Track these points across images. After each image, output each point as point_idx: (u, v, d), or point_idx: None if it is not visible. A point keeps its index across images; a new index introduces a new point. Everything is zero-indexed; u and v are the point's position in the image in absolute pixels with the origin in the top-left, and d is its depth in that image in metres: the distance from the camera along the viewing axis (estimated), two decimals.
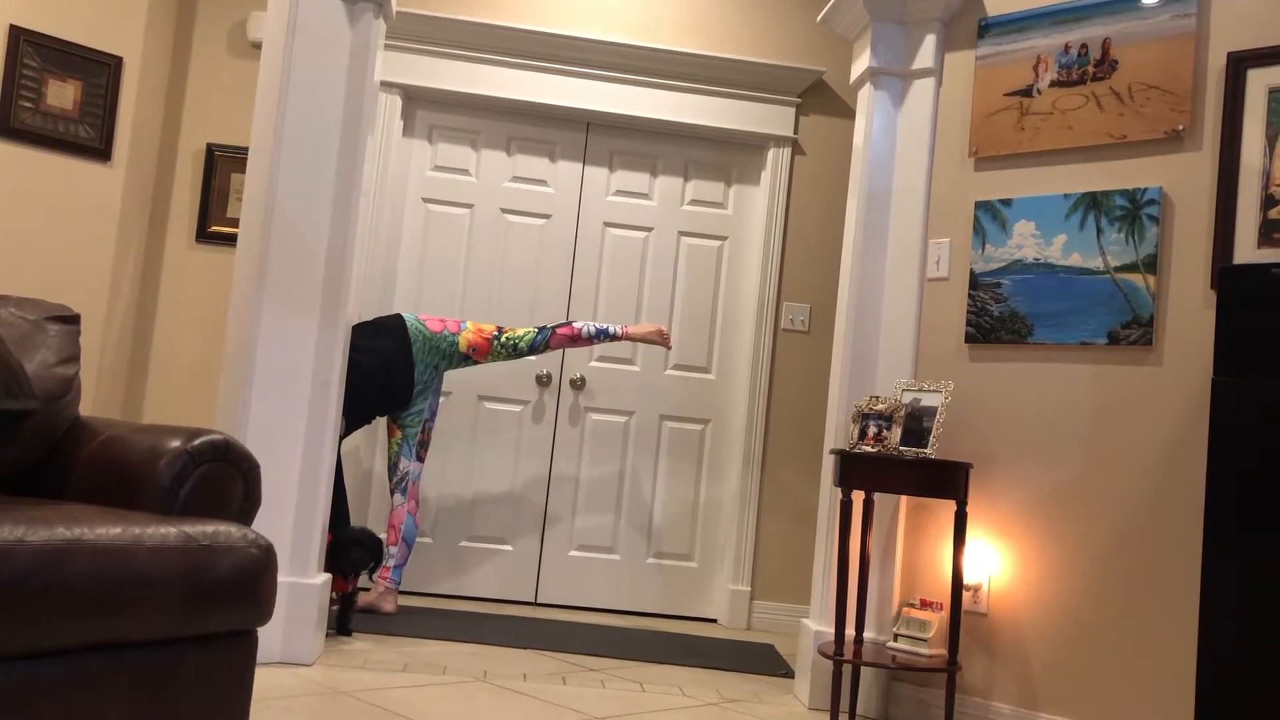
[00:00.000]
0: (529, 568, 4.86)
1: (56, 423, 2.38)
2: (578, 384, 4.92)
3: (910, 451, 3.15)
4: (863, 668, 3.35)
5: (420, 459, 4.26)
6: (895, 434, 3.18)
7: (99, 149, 4.20)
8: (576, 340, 4.27)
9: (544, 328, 4.26)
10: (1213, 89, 2.95)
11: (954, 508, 3.20)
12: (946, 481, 3.12)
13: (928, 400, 3.23)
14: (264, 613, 2.15)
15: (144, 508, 2.19)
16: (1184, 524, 2.86)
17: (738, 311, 5.05)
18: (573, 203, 5.00)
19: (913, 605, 3.32)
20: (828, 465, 3.55)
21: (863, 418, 3.26)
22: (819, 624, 3.46)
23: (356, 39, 3.41)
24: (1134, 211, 3.04)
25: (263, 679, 3.03)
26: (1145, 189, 3.02)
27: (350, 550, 3.69)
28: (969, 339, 3.33)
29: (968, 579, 3.24)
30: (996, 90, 3.35)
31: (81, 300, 4.18)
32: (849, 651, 3.16)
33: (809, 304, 5.00)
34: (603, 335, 4.28)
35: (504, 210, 4.97)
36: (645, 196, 5.04)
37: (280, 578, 3.25)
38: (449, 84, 4.83)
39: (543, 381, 4.91)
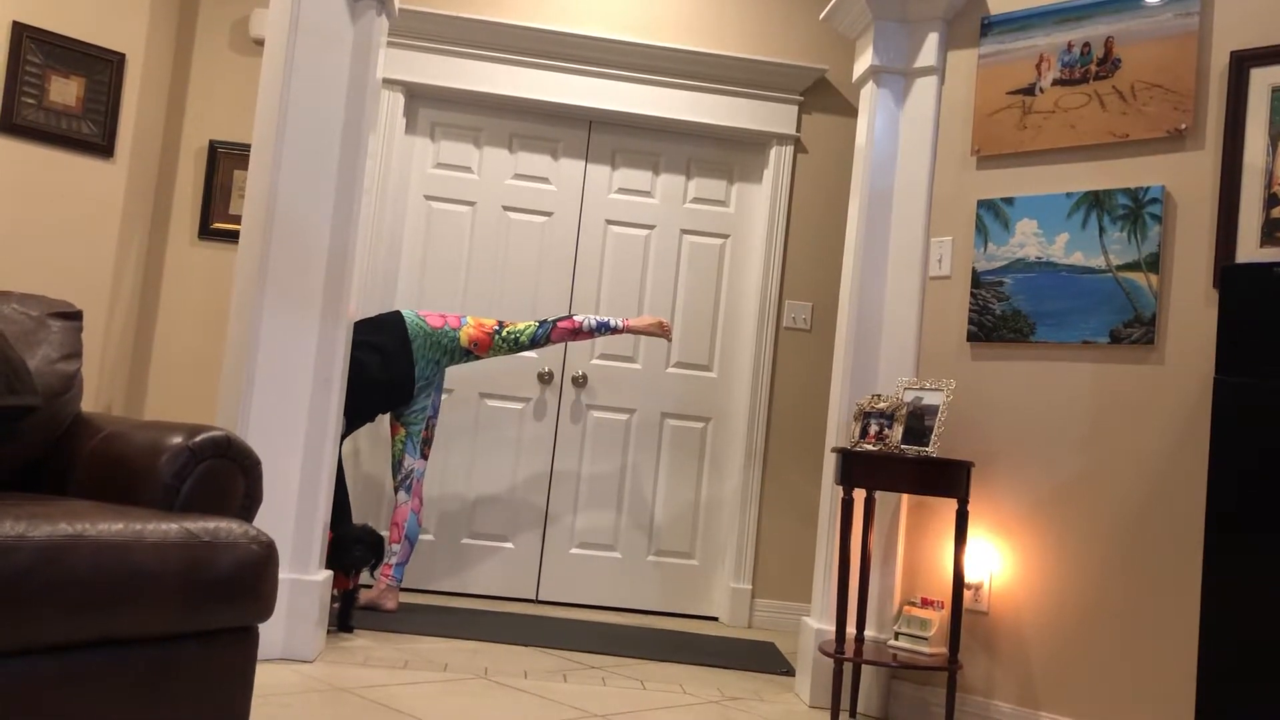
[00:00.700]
0: (530, 565, 4.86)
1: (58, 419, 2.39)
2: (579, 381, 4.92)
3: (912, 450, 3.15)
4: (864, 666, 3.35)
5: (424, 456, 4.27)
6: (897, 432, 3.18)
7: (102, 145, 4.20)
8: (578, 333, 4.27)
9: (545, 321, 4.26)
10: (1215, 88, 2.94)
11: (955, 506, 3.20)
12: (948, 480, 3.11)
13: (929, 399, 3.22)
14: (265, 609, 2.15)
15: (145, 504, 2.20)
16: (1185, 523, 2.86)
17: (739, 309, 5.05)
18: (575, 200, 5.00)
19: (914, 604, 3.32)
20: (829, 463, 3.55)
21: (864, 416, 3.26)
22: (820, 622, 3.46)
23: (359, 36, 3.41)
24: (1136, 210, 3.03)
25: (264, 675, 3.03)
26: (1148, 188, 3.02)
27: (352, 548, 3.69)
28: (971, 337, 3.33)
29: (969, 577, 3.24)
30: (999, 89, 3.35)
31: (83, 297, 4.18)
32: (850, 650, 3.16)
33: (811, 302, 4.99)
34: (604, 328, 4.28)
35: (506, 208, 4.97)
36: (647, 194, 5.04)
37: (281, 574, 3.25)
38: (451, 81, 4.83)
39: (544, 379, 4.91)
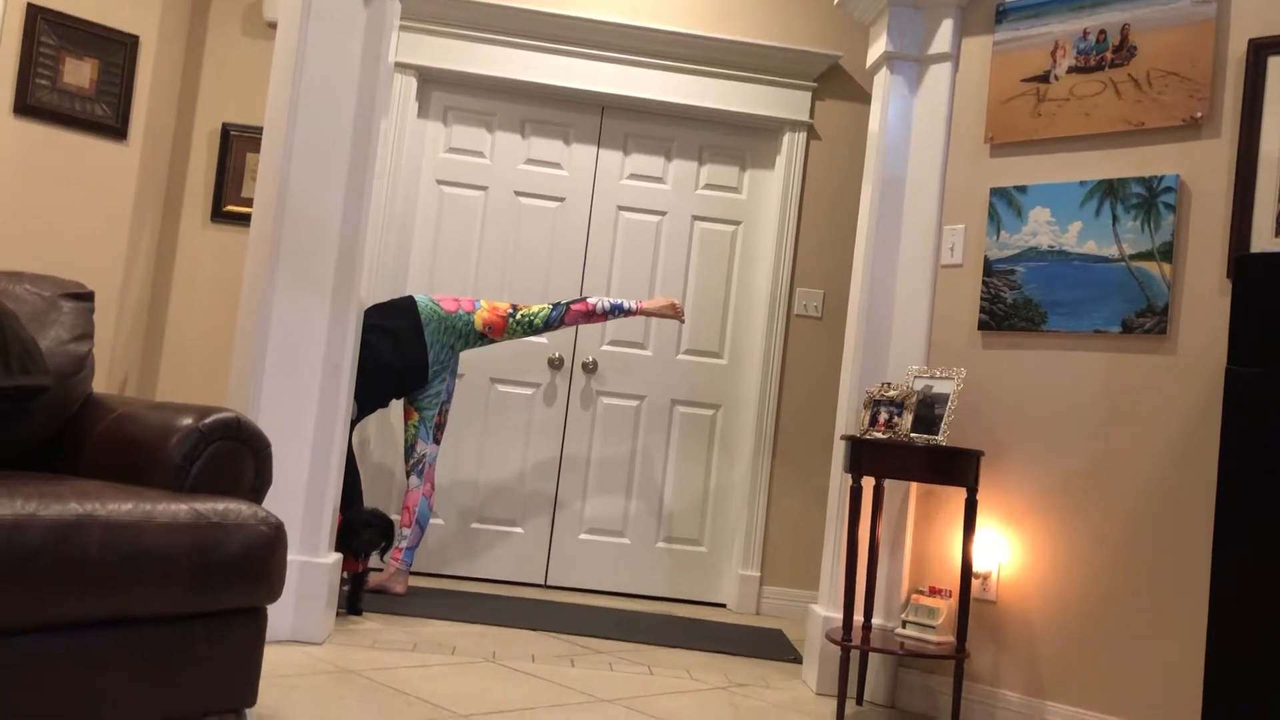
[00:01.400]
0: (539, 550, 4.87)
1: (69, 399, 2.40)
2: (590, 367, 4.92)
3: (921, 438, 3.14)
4: (871, 654, 3.35)
5: (437, 441, 4.27)
6: (906, 420, 3.17)
7: (115, 127, 4.21)
8: (591, 316, 4.26)
9: (558, 304, 4.25)
10: (1232, 76, 2.92)
11: (964, 495, 3.19)
12: (957, 469, 3.11)
13: (940, 387, 3.21)
14: (274, 590, 2.16)
15: (155, 485, 2.21)
16: (1195, 514, 2.85)
17: (751, 297, 5.04)
18: (587, 186, 4.99)
19: (921, 592, 3.32)
20: (838, 451, 3.54)
21: (874, 404, 3.25)
22: (827, 610, 3.46)
23: (371, 20, 3.41)
24: (1150, 199, 3.01)
25: (272, 657, 3.05)
26: (1162, 177, 3.00)
27: (361, 531, 3.70)
28: (982, 326, 3.32)
29: (977, 567, 3.24)
30: (1013, 76, 3.33)
31: (96, 278, 4.20)
32: (857, 637, 3.16)
33: (823, 290, 4.98)
34: (617, 310, 4.28)
35: (518, 193, 4.96)
36: (659, 180, 5.02)
37: (291, 556, 3.27)
38: (464, 65, 4.82)
39: (555, 364, 4.91)
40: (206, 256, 4.61)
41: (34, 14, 3.99)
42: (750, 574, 4.86)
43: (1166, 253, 2.97)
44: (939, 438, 3.12)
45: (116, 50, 4.20)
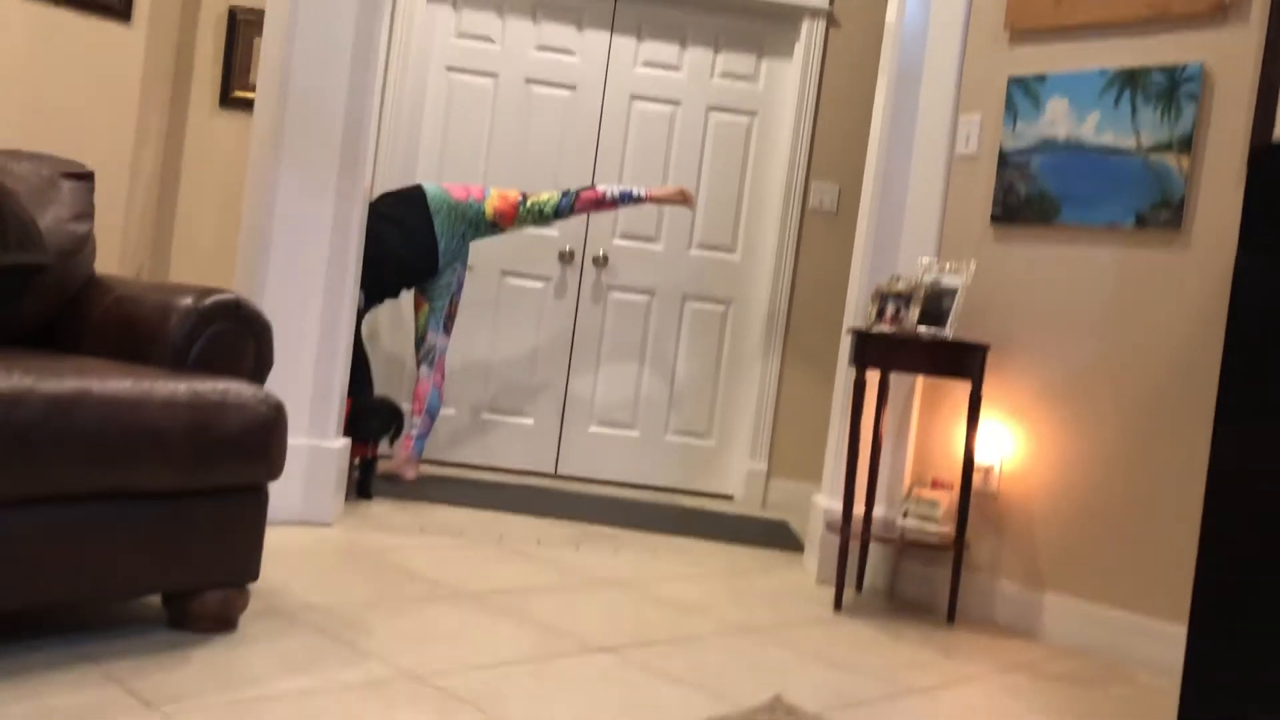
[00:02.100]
0: (549, 441, 4.92)
1: (70, 279, 2.40)
2: (600, 261, 4.89)
3: (928, 332, 3.13)
4: (872, 544, 3.39)
5: (447, 331, 4.28)
6: (913, 314, 3.15)
7: (119, 8, 4.14)
8: (601, 204, 4.23)
9: (568, 191, 4.22)
10: None
11: (969, 389, 3.18)
12: (963, 362, 3.09)
13: (948, 281, 3.18)
14: (273, 469, 2.19)
15: (156, 364, 2.23)
16: (1198, 412, 2.84)
17: (765, 190, 4.98)
18: (599, 74, 4.90)
19: (924, 484, 3.34)
20: (845, 345, 3.53)
21: (881, 298, 3.23)
22: (830, 500, 3.49)
23: None
24: (1172, 89, 2.93)
25: (282, 536, 3.11)
26: (1185, 65, 2.91)
27: (370, 417, 3.74)
28: (995, 219, 3.27)
29: (980, 460, 3.24)
30: None
31: (105, 163, 4.18)
32: (857, 528, 3.19)
33: (838, 184, 4.91)
34: (627, 198, 4.24)
35: (529, 80, 4.88)
36: (674, 68, 4.92)
37: (300, 440, 3.31)
38: None
39: (565, 258, 4.88)
40: (215, 143, 4.57)
41: None
42: (758, 467, 4.90)
43: (1185, 144, 2.90)
44: (945, 331, 3.10)
45: None
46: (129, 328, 2.30)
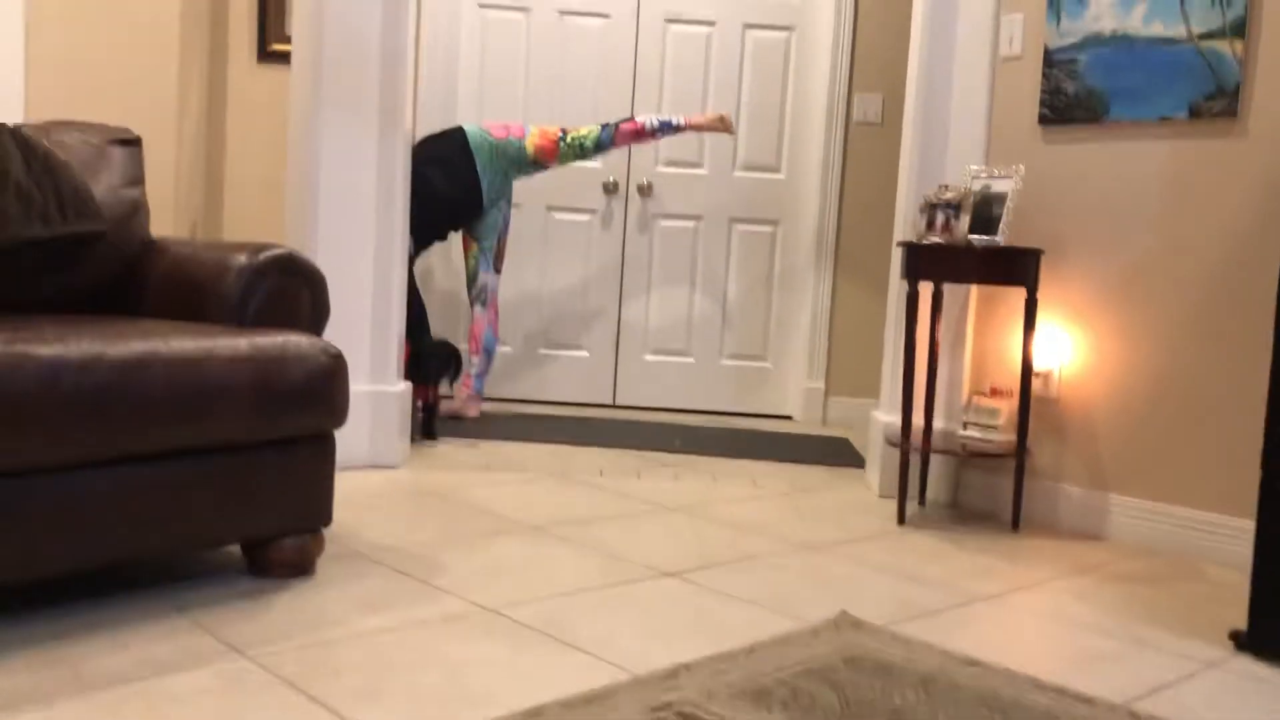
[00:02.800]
0: (605, 372, 4.96)
1: (127, 243, 2.46)
2: (645, 190, 4.88)
3: (979, 240, 3.09)
4: (933, 456, 3.40)
5: (497, 270, 4.33)
6: (964, 223, 3.11)
7: None
8: (640, 135, 4.23)
9: (607, 125, 4.21)
10: None
11: (1024, 295, 3.15)
12: (1016, 269, 3.06)
13: (998, 186, 3.13)
14: (338, 416, 2.25)
15: (215, 321, 2.28)
16: (1259, 302, 2.78)
17: (807, 106, 4.91)
18: (632, 0, 4.83)
19: (982, 393, 3.33)
20: (896, 257, 3.50)
21: (930, 208, 3.19)
22: (888, 415, 3.49)
23: None
24: None
25: (351, 480, 3.19)
26: None
27: (428, 360, 3.80)
28: (1043, 120, 3.20)
29: (1038, 366, 3.22)
30: None
31: (150, 124, 4.23)
32: (917, 440, 3.20)
33: (881, 94, 4.83)
34: (666, 128, 4.23)
35: (562, 12, 4.83)
36: None
37: (362, 386, 3.37)
38: None
39: (609, 189, 4.87)
40: (257, 96, 4.60)
41: None
42: (815, 385, 4.90)
43: (1239, 28, 2.81)
44: (997, 238, 3.07)
45: None
46: (188, 288, 2.35)
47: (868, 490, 3.53)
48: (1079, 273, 3.15)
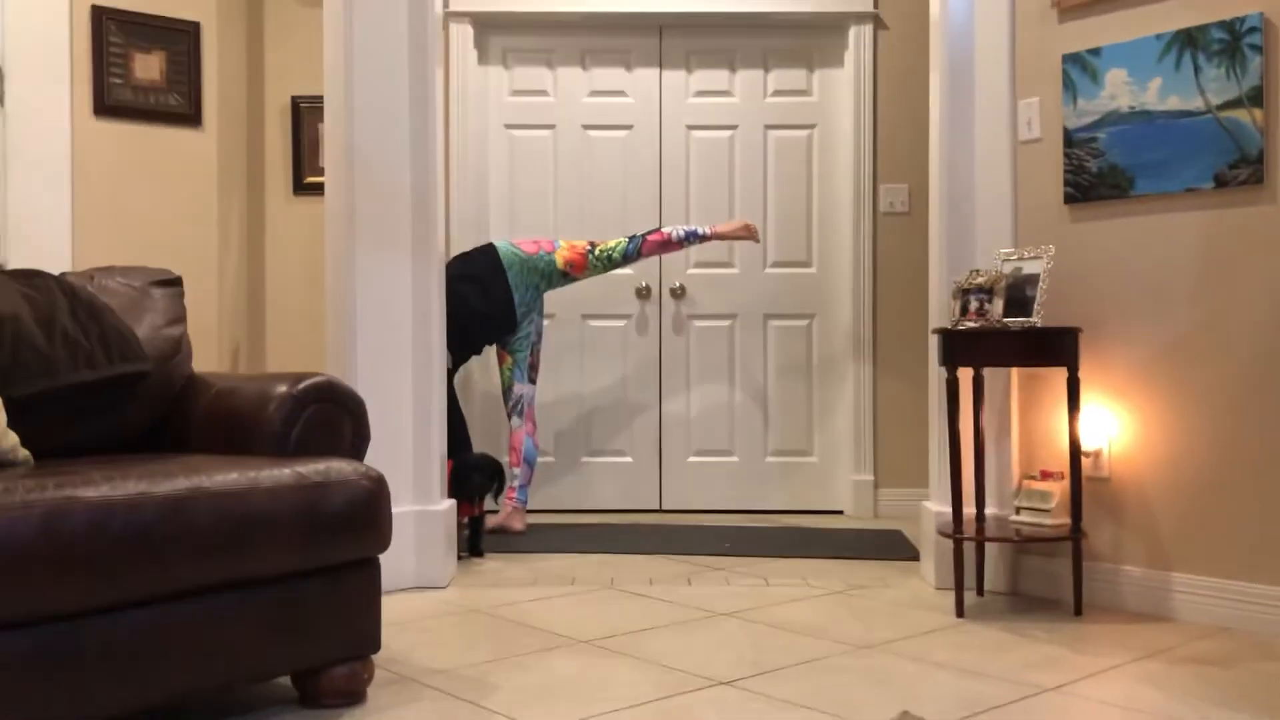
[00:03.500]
0: (650, 477, 4.94)
1: (171, 381, 2.51)
2: (678, 292, 4.92)
3: (1015, 322, 3.07)
4: (988, 544, 3.33)
5: (532, 381, 4.37)
6: (997, 306, 3.10)
7: (189, 115, 4.33)
8: (667, 245, 4.31)
9: (634, 236, 4.29)
10: None
11: (1065, 375, 3.11)
12: (1055, 348, 3.04)
13: (1029, 268, 3.13)
14: (382, 540, 2.25)
15: (259, 452, 2.31)
16: None
17: (834, 200, 4.96)
18: (653, 110, 4.94)
19: (1033, 477, 3.27)
20: (933, 345, 3.49)
21: (963, 293, 3.19)
22: (939, 505, 3.44)
23: None
24: (1234, 43, 2.85)
25: (399, 603, 3.18)
26: (1244, 17, 2.83)
27: (471, 475, 3.81)
28: (1068, 199, 3.21)
29: (1086, 445, 3.17)
30: None
31: (192, 263, 4.35)
32: (969, 529, 3.14)
33: (907, 184, 4.87)
34: (692, 237, 4.31)
35: (585, 126, 4.95)
36: (726, 94, 4.95)
37: (406, 507, 3.38)
38: (517, 5, 4.80)
39: (643, 294, 4.92)
40: (294, 229, 4.73)
41: (99, 14, 4.10)
42: (864, 478, 4.85)
43: (1256, 98, 2.82)
44: (1033, 319, 3.05)
45: (181, 39, 4.30)
46: (231, 421, 2.39)
47: (924, 583, 3.46)
48: (1120, 348, 3.11)
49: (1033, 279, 3.09)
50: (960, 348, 3.09)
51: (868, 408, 4.86)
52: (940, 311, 3.45)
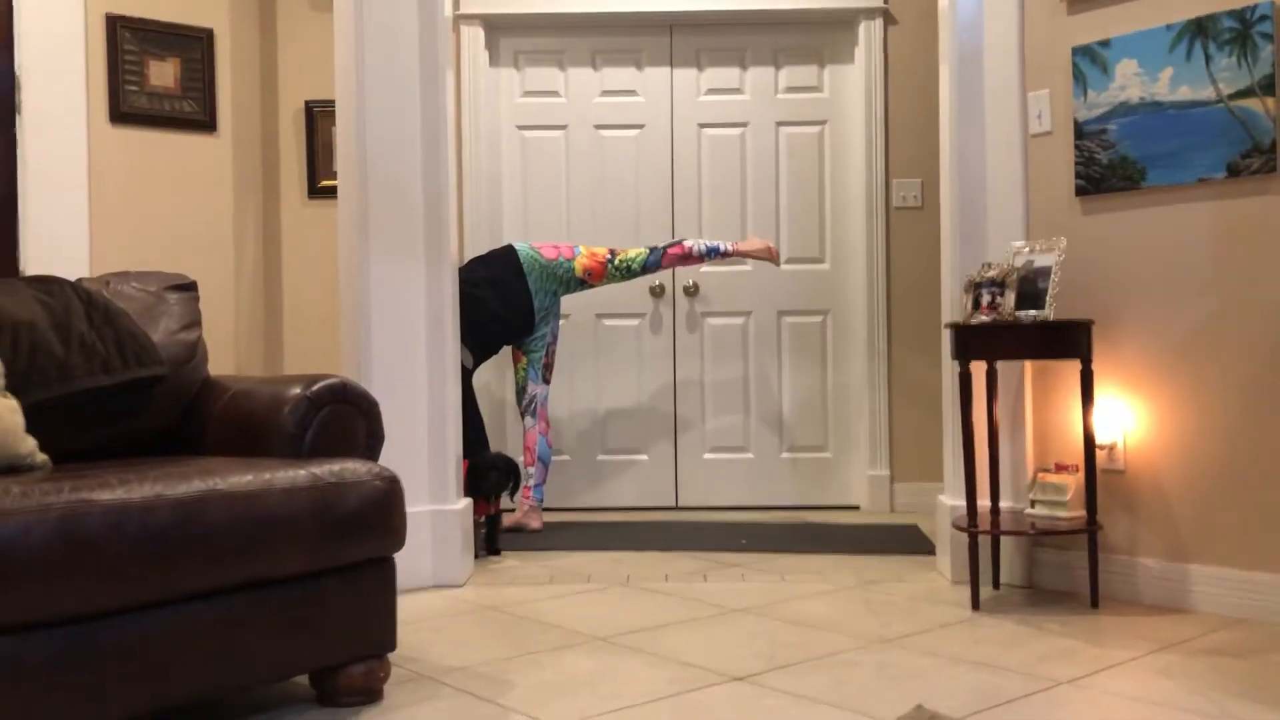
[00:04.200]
0: (666, 474, 4.95)
1: (186, 385, 2.54)
2: (691, 291, 4.92)
3: (1028, 315, 3.07)
4: (1003, 537, 3.32)
5: (546, 381, 4.39)
6: (1010, 299, 3.10)
7: (204, 121, 4.36)
8: (688, 259, 4.34)
9: (655, 248, 4.32)
10: None
11: (1079, 367, 3.10)
12: (1068, 341, 3.03)
13: (1041, 261, 3.12)
14: (396, 540, 2.27)
15: (274, 454, 2.33)
16: None
17: (846, 196, 4.95)
18: (664, 109, 4.95)
19: (1047, 470, 3.26)
20: (947, 340, 3.48)
21: (975, 287, 3.18)
22: (954, 499, 3.43)
23: None
24: (1244, 32, 2.84)
25: (416, 602, 3.19)
26: (1256, 5, 2.82)
27: (487, 475, 3.82)
28: (1079, 192, 3.20)
29: (1101, 438, 3.16)
30: None
31: (209, 268, 4.39)
32: (985, 522, 3.13)
33: (920, 178, 4.86)
34: (714, 253, 4.35)
35: (597, 126, 4.96)
36: (737, 91, 4.95)
37: (422, 507, 3.40)
38: (527, 6, 4.82)
39: (656, 293, 4.93)
40: (310, 233, 4.76)
41: (113, 23, 4.14)
42: (880, 473, 4.84)
43: (1268, 86, 2.80)
44: (1046, 312, 3.04)
45: (194, 46, 4.33)
46: (246, 422, 2.41)
47: (940, 577, 3.46)
48: (1133, 340, 3.10)
49: (1045, 271, 3.09)
50: (973, 342, 3.09)
51: (882, 402, 4.85)
52: (953, 305, 3.45)
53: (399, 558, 3.31)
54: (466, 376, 4.25)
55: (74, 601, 1.78)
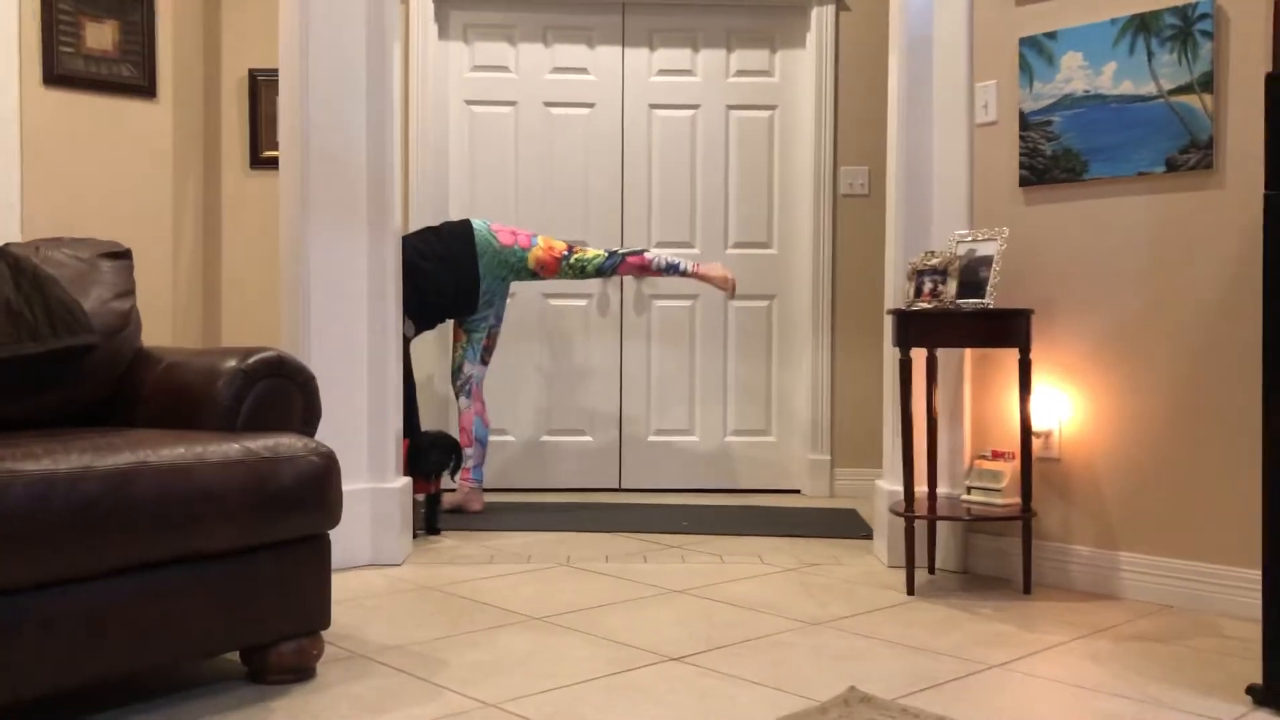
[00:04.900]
0: (610, 456, 4.95)
1: (119, 355, 2.48)
2: None
3: (969, 303, 3.10)
4: (940, 523, 3.36)
5: (484, 363, 4.35)
6: (951, 287, 3.13)
7: (143, 86, 4.26)
8: (645, 270, 4.29)
9: (615, 252, 4.27)
10: None
11: (1017, 356, 3.15)
12: (1007, 330, 3.06)
13: (983, 250, 3.15)
14: (331, 517, 2.24)
15: (208, 427, 2.29)
16: (1250, 351, 2.78)
17: (794, 181, 4.97)
18: (615, 88, 4.93)
19: (985, 457, 3.30)
20: (889, 326, 3.51)
21: (917, 275, 3.21)
22: (892, 484, 3.47)
23: None
24: (1186, 29, 2.88)
25: (353, 580, 3.17)
26: (1196, 3, 2.86)
27: (428, 452, 3.79)
28: (1023, 182, 3.23)
29: (1037, 426, 3.21)
30: None
31: (146, 237, 4.30)
32: (921, 508, 3.17)
33: (867, 166, 4.89)
34: (673, 270, 4.29)
35: (547, 104, 4.92)
36: (689, 73, 4.94)
37: (361, 484, 3.37)
38: None
39: None
40: (251, 204, 4.68)
41: None
42: (820, 458, 4.88)
43: (1207, 83, 2.85)
44: (986, 301, 3.08)
45: (134, 8, 4.22)
46: (180, 396, 2.37)
47: (877, 561, 3.49)
48: (1071, 331, 3.15)
49: (986, 261, 3.12)
50: (914, 329, 3.12)
51: (825, 388, 4.89)
52: (896, 293, 3.47)
53: (336, 535, 3.28)
54: (405, 345, 4.20)
55: None
